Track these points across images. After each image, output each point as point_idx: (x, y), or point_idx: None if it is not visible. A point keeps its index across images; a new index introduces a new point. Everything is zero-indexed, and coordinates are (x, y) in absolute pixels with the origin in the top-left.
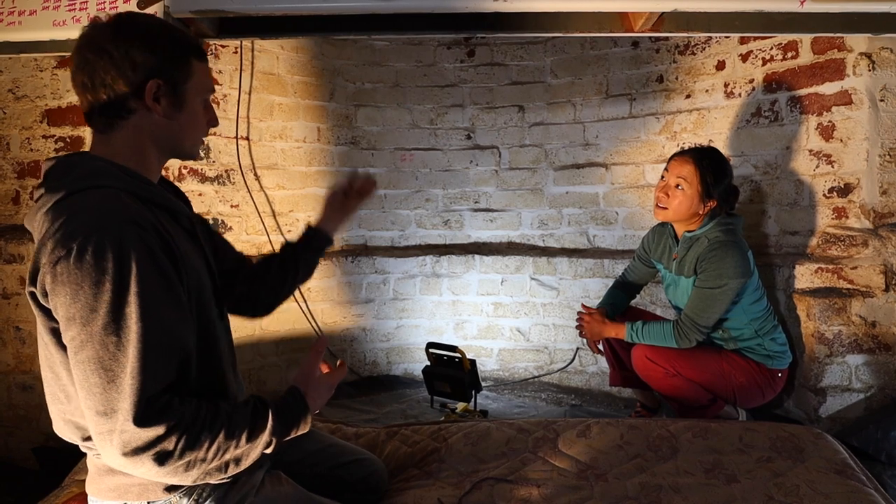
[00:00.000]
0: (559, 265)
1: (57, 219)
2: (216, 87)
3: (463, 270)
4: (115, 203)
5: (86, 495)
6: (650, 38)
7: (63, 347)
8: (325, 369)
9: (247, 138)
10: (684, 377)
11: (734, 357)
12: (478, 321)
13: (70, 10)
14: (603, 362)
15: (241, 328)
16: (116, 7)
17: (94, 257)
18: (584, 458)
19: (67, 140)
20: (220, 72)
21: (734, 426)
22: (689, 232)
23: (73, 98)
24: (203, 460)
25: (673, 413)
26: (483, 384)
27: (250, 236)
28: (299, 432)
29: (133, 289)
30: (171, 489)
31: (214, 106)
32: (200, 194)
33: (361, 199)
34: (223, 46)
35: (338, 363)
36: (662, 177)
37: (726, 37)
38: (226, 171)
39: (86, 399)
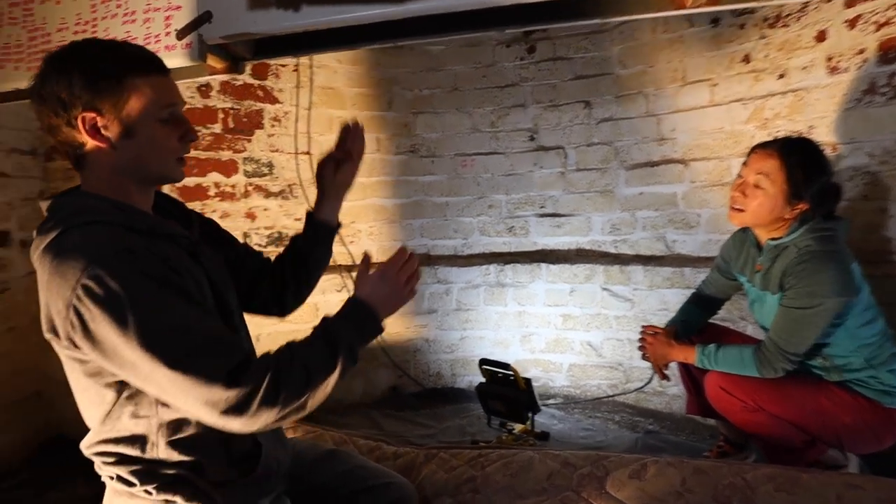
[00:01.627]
0: (633, 274)
1: (53, 259)
2: (277, 105)
3: (529, 280)
4: (102, 235)
5: None
6: (732, 12)
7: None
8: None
9: (308, 153)
10: (768, 413)
11: (837, 391)
12: (546, 334)
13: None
14: None
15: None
16: (160, 41)
17: (103, 289)
18: None
19: None
20: (280, 90)
21: (833, 480)
22: (773, 240)
23: None
24: (302, 391)
25: (761, 453)
26: (552, 401)
27: None
28: (366, 338)
29: (144, 297)
30: None
31: (275, 123)
32: (266, 209)
33: (356, 161)
34: (282, 66)
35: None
36: (740, 174)
37: (826, 1)
38: (288, 185)
39: (185, 400)
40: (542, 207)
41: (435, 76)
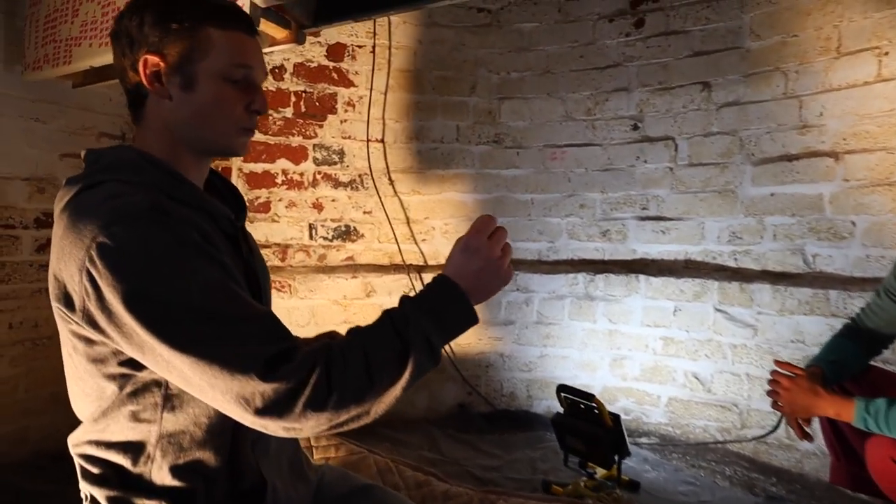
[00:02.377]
0: (758, 294)
1: (71, 215)
2: (352, 89)
3: (624, 293)
4: (130, 194)
5: None
6: None
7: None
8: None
9: (381, 140)
10: None
11: None
12: (641, 359)
13: None
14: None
15: None
16: None
17: (121, 248)
18: None
19: None
20: (356, 73)
21: None
22: None
23: None
24: (362, 395)
25: None
26: (645, 440)
27: (382, 244)
28: (451, 329)
29: (166, 260)
30: None
31: (349, 108)
32: (334, 200)
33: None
34: (359, 47)
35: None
36: None
37: None
38: (359, 175)
39: (212, 393)
40: (643, 209)
41: (524, 57)
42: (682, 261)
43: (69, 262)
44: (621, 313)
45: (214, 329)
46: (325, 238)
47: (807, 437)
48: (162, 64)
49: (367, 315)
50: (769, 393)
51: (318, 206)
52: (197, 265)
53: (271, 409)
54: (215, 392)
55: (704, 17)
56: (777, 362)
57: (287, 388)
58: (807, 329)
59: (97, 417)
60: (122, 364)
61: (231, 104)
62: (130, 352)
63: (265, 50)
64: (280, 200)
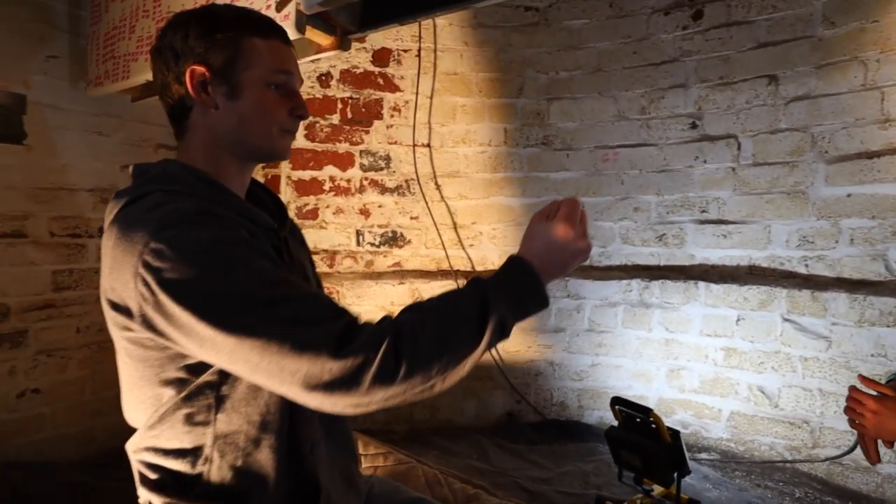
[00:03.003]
0: (832, 303)
1: (122, 225)
2: (398, 93)
3: (681, 301)
4: (181, 201)
5: None
6: None
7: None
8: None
9: (427, 145)
10: None
11: None
12: (700, 370)
13: None
14: None
15: None
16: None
17: (176, 251)
18: None
19: None
20: (402, 77)
21: None
22: None
23: None
24: (430, 366)
25: None
26: (705, 456)
27: (429, 250)
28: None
29: (216, 252)
30: None
31: (395, 113)
32: (380, 206)
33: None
34: (405, 51)
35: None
36: None
37: None
38: (406, 181)
39: (280, 377)
40: (703, 212)
41: (574, 56)
42: (746, 267)
43: (123, 270)
44: (679, 322)
45: (278, 312)
46: (373, 244)
47: (877, 459)
48: (208, 73)
49: None
50: (846, 409)
51: (365, 213)
52: (250, 257)
53: (340, 384)
54: (284, 374)
55: (770, 6)
56: (862, 378)
57: (356, 363)
58: (889, 342)
59: (153, 423)
60: (178, 369)
61: (275, 109)
62: (191, 349)
63: (312, 57)
64: (328, 207)
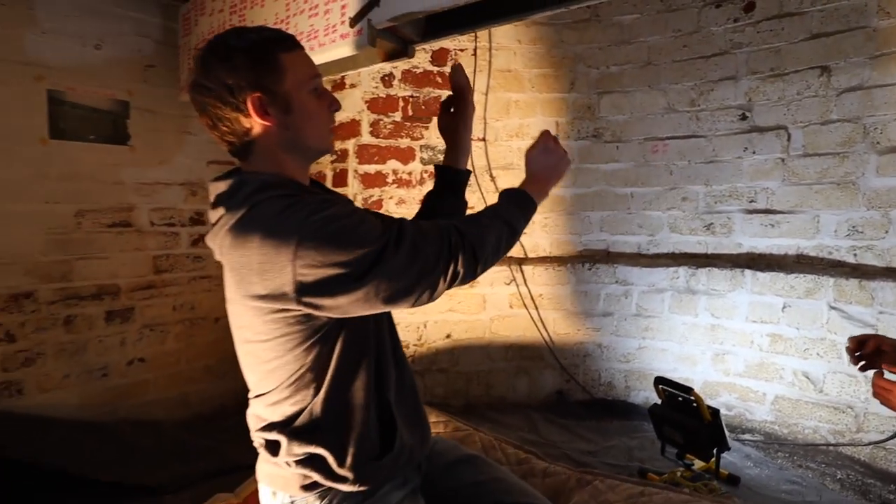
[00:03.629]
0: (880, 292)
1: (260, 232)
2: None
3: (727, 288)
4: (296, 202)
5: None
6: None
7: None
8: None
9: (483, 139)
10: None
11: None
12: (746, 354)
13: (307, 42)
14: None
15: (472, 329)
16: (336, 30)
17: (322, 241)
18: None
19: (337, 152)
20: None
21: None
22: None
23: (342, 117)
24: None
25: None
26: (748, 437)
27: None
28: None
29: (311, 210)
30: (307, 488)
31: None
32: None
33: (467, 98)
34: (461, 51)
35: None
36: None
37: None
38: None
39: (420, 285)
40: (751, 202)
41: (625, 50)
42: (794, 256)
43: (275, 263)
44: (725, 308)
45: (406, 244)
46: None
47: None
48: (264, 97)
49: (470, 304)
50: (877, 397)
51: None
52: (366, 214)
53: (455, 278)
54: (425, 282)
55: None
56: (885, 365)
57: (458, 256)
58: None
59: (274, 389)
60: (311, 335)
61: (319, 111)
62: (332, 308)
63: (378, 65)
64: (391, 198)
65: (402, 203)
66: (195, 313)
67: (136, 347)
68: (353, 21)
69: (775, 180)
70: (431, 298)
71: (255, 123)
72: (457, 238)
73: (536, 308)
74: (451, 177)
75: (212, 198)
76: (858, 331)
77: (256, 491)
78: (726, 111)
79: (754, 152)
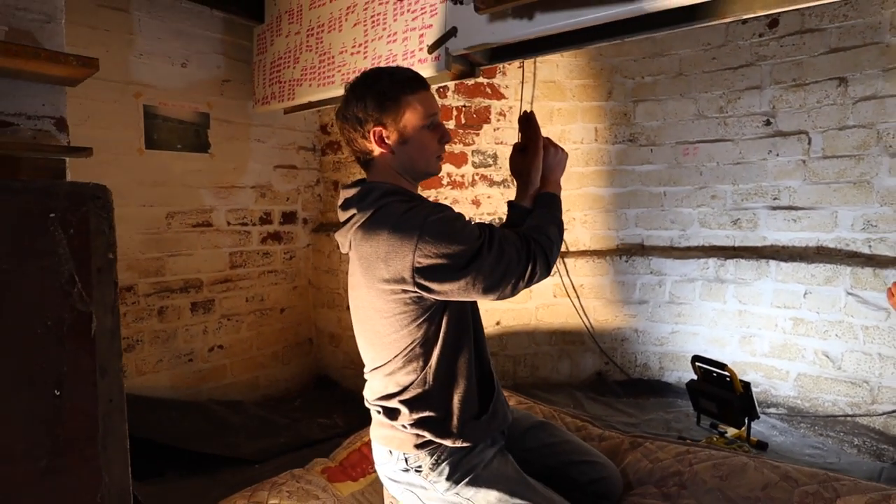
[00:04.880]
0: (892, 279)
1: (388, 227)
2: (503, 101)
3: (753, 277)
4: (416, 205)
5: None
6: None
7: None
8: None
9: None
10: None
11: None
12: (770, 336)
13: (386, 64)
14: None
15: (519, 317)
16: (414, 55)
17: (437, 237)
18: None
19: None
20: (506, 87)
21: None
22: None
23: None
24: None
25: None
26: (774, 410)
27: None
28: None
29: (445, 216)
30: (420, 446)
31: (500, 118)
32: (489, 196)
33: (536, 146)
34: (509, 64)
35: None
36: None
37: None
38: (510, 175)
39: (505, 280)
40: (774, 199)
41: (658, 62)
42: (814, 247)
43: (399, 252)
44: (751, 295)
45: (496, 246)
46: None
47: None
48: (384, 131)
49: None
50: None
51: (476, 203)
52: (466, 219)
53: (534, 276)
54: (505, 276)
55: (842, 15)
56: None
57: (531, 256)
58: None
59: (388, 360)
60: (422, 313)
61: (430, 144)
62: (441, 291)
63: (449, 82)
64: (445, 199)
65: (456, 202)
66: (264, 304)
67: (216, 335)
68: (432, 48)
69: (797, 180)
70: (513, 293)
71: (376, 149)
72: (533, 245)
73: (578, 297)
74: (518, 213)
75: (341, 201)
76: (873, 314)
77: (352, 454)
78: (752, 117)
79: (778, 154)
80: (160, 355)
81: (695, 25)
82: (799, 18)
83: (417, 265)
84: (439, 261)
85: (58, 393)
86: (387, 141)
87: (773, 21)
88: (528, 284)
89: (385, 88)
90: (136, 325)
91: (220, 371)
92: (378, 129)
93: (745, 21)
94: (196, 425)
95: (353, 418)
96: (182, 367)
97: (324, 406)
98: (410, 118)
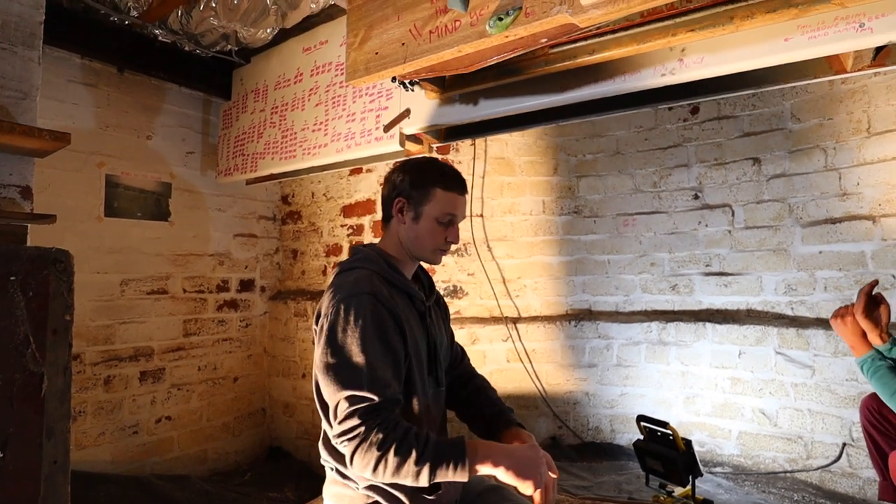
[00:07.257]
0: (813, 339)
1: (333, 286)
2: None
3: (693, 339)
4: (365, 280)
5: None
6: None
7: None
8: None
9: (481, 215)
10: None
11: None
12: (712, 396)
13: (345, 142)
14: None
15: None
16: (371, 134)
17: (344, 312)
18: None
19: (353, 227)
20: (459, 162)
21: None
22: None
23: (359, 196)
24: (386, 461)
25: None
26: (719, 469)
27: (483, 300)
28: (450, 473)
29: (356, 332)
30: None
31: None
32: (444, 265)
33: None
34: (462, 142)
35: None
36: None
37: None
38: (464, 244)
39: (330, 406)
40: (707, 266)
41: (597, 142)
42: (745, 310)
43: (326, 307)
44: (692, 356)
45: (349, 372)
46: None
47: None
48: (406, 205)
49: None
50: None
51: (431, 271)
52: (371, 334)
53: (342, 434)
54: (330, 404)
55: (751, 104)
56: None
57: (353, 425)
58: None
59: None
60: None
61: (435, 236)
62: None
63: (403, 158)
64: None
65: None
66: (217, 373)
67: (164, 406)
68: (387, 128)
69: (725, 248)
70: (350, 458)
71: (395, 214)
72: (388, 443)
73: (531, 361)
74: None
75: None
76: (800, 372)
77: None
78: (682, 192)
79: (707, 225)
80: (103, 427)
81: (619, 112)
82: (716, 106)
83: (321, 327)
84: (328, 359)
85: (1, 455)
86: (403, 213)
87: (695, 108)
88: (353, 452)
89: (425, 173)
90: (79, 396)
91: (166, 444)
92: (402, 200)
93: (670, 108)
94: (136, 502)
95: (305, 490)
96: (126, 440)
97: (275, 479)
98: (430, 206)
